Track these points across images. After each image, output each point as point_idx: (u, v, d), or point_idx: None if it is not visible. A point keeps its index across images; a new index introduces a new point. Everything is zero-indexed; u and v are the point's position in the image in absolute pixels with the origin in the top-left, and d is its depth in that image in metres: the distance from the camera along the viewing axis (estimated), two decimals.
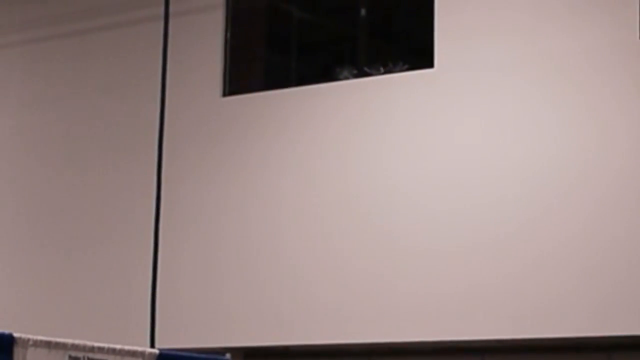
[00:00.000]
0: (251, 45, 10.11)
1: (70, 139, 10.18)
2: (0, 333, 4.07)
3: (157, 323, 6.29)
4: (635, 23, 7.95)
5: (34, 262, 10.11)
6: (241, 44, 9.79)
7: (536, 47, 8.22)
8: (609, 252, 7.73)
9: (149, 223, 6.55)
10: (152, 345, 6.05)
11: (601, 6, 8.07)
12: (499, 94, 8.31)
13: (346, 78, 9.21)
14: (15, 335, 4.11)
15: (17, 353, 4.05)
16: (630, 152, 7.81)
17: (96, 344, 4.46)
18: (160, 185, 6.58)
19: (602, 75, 7.98)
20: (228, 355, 5.88)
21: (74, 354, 4.32)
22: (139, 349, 4.79)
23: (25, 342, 4.11)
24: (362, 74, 9.17)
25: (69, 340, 4.35)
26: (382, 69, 9.04)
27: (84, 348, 4.37)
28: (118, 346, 4.62)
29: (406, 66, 8.92)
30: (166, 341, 7.18)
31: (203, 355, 5.89)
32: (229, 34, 9.68)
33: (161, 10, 6.88)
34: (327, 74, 9.40)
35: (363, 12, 9.78)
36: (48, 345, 4.21)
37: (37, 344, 4.15)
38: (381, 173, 8.63)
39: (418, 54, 9.07)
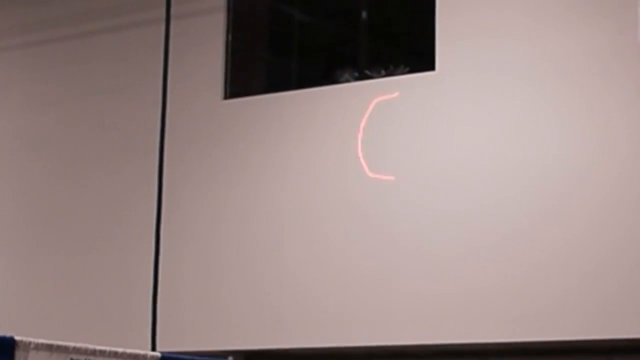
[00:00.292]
0: (252, 48, 10.11)
1: (71, 141, 10.18)
2: (1, 336, 4.06)
3: (158, 326, 6.28)
4: (636, 25, 7.95)
5: (35, 264, 10.11)
6: (242, 46, 9.79)
7: (537, 49, 8.22)
8: (610, 255, 7.73)
9: (150, 226, 6.55)
10: (154, 349, 6.04)
11: (602, 9, 8.08)
12: (501, 97, 8.31)
13: (347, 81, 9.20)
14: (17, 338, 4.10)
15: (19, 356, 4.05)
16: (632, 154, 7.81)
17: (98, 347, 4.45)
18: (162, 188, 6.56)
19: (603, 78, 7.97)
20: (230, 358, 5.88)
21: (75, 357, 4.31)
22: (141, 352, 4.78)
23: (27, 345, 4.10)
24: (363, 76, 9.17)
25: (71, 344, 4.35)
26: (383, 72, 9.04)
27: (85, 351, 4.36)
28: (120, 349, 4.61)
29: (407, 69, 8.91)
30: (167, 344, 7.15)
31: (204, 358, 5.89)
32: (230, 37, 9.67)
33: (162, 12, 6.87)
34: (328, 77, 9.39)
35: (364, 14, 9.78)
36: (49, 348, 4.20)
37: (39, 347, 4.15)
38: (383, 176, 8.62)
39: (419, 56, 9.07)
